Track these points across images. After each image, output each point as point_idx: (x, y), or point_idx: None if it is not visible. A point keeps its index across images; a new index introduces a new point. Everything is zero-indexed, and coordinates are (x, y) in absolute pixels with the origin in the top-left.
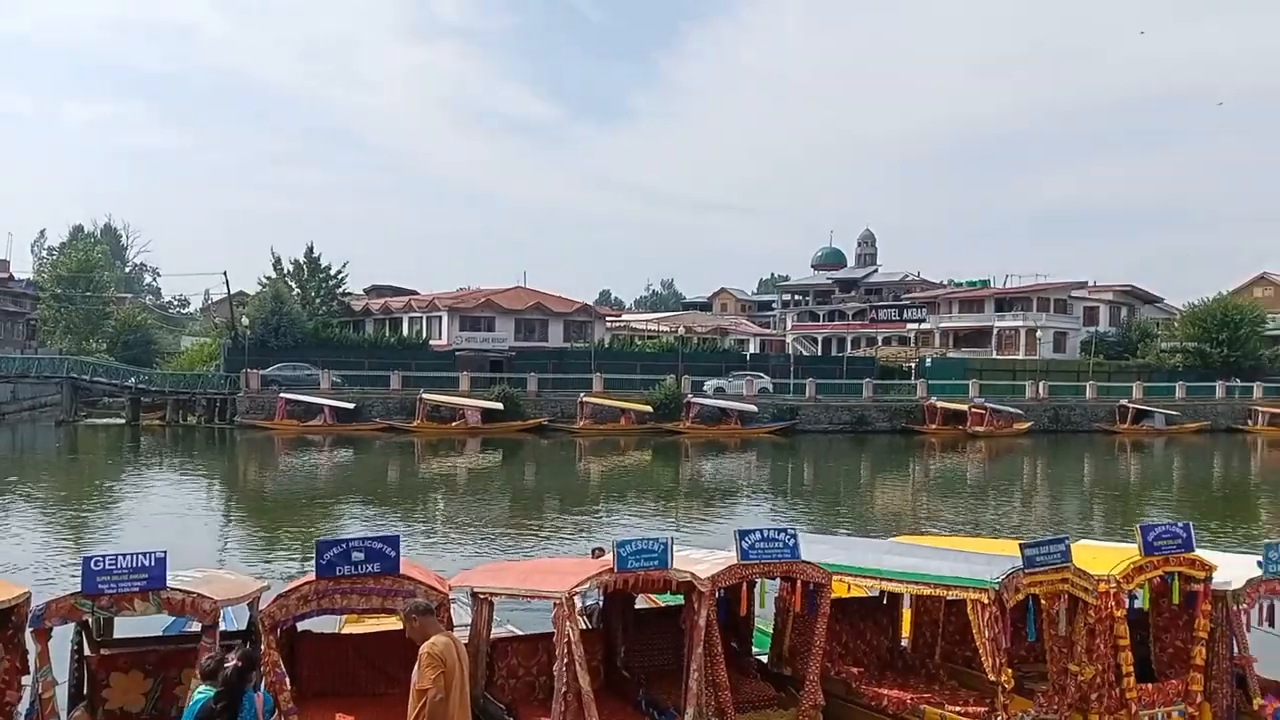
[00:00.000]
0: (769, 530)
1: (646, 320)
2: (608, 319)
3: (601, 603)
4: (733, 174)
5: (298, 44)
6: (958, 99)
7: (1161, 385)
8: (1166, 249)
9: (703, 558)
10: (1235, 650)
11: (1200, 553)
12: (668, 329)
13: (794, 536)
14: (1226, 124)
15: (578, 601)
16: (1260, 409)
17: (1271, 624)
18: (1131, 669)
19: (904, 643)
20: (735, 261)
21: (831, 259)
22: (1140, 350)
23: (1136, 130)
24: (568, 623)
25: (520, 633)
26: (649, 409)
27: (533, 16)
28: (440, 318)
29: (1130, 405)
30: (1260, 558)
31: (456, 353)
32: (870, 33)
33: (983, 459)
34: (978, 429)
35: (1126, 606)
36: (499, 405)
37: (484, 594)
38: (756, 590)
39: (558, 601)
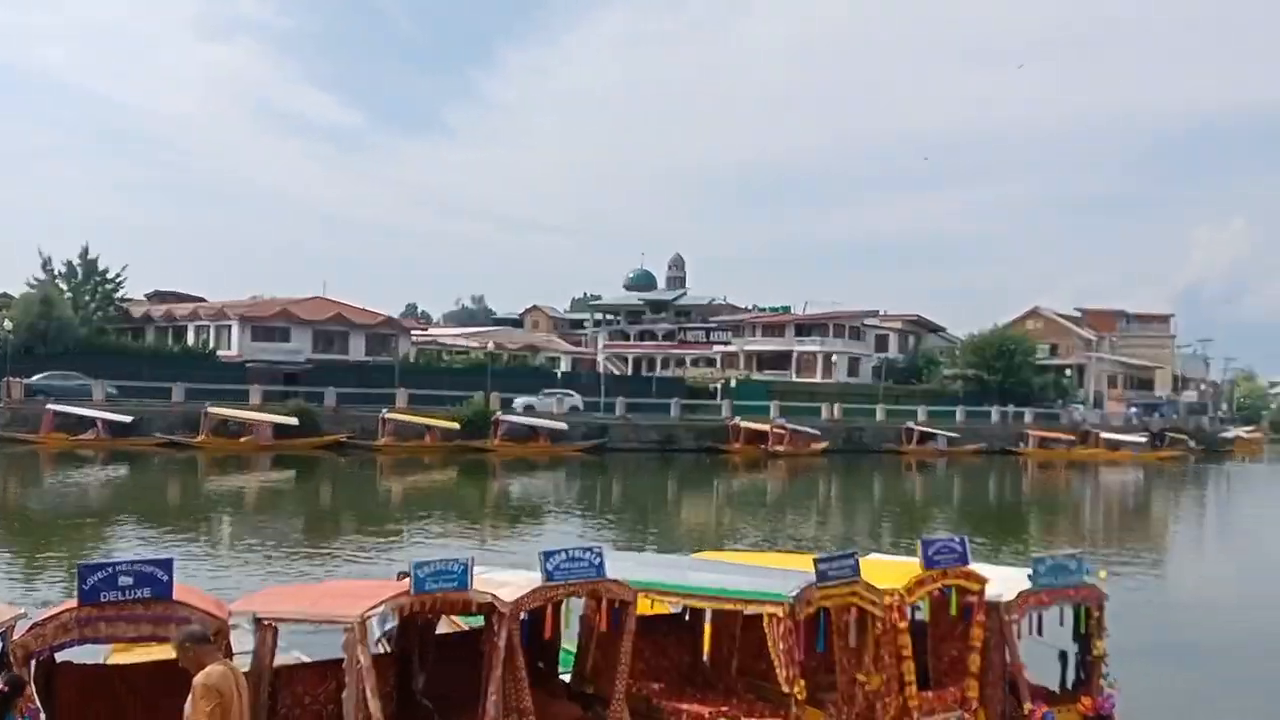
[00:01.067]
0: (574, 550)
1: (455, 335)
2: (414, 333)
3: (395, 627)
4: (547, 193)
5: (82, 30)
6: (764, 132)
7: (944, 409)
8: (950, 282)
9: (507, 579)
10: (1007, 658)
11: (975, 566)
12: (477, 344)
13: (600, 555)
14: (1005, 167)
15: (376, 626)
16: (1030, 432)
17: (1040, 633)
18: (913, 678)
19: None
20: (548, 279)
21: (642, 280)
22: (926, 376)
23: (928, 168)
24: (359, 648)
25: (308, 660)
26: (456, 426)
27: (340, 20)
28: (230, 327)
29: (916, 427)
30: (1030, 571)
31: (247, 364)
32: (684, 65)
33: (783, 477)
34: (778, 448)
35: (909, 618)
36: (293, 420)
37: (268, 619)
38: (563, 610)
39: (349, 626)
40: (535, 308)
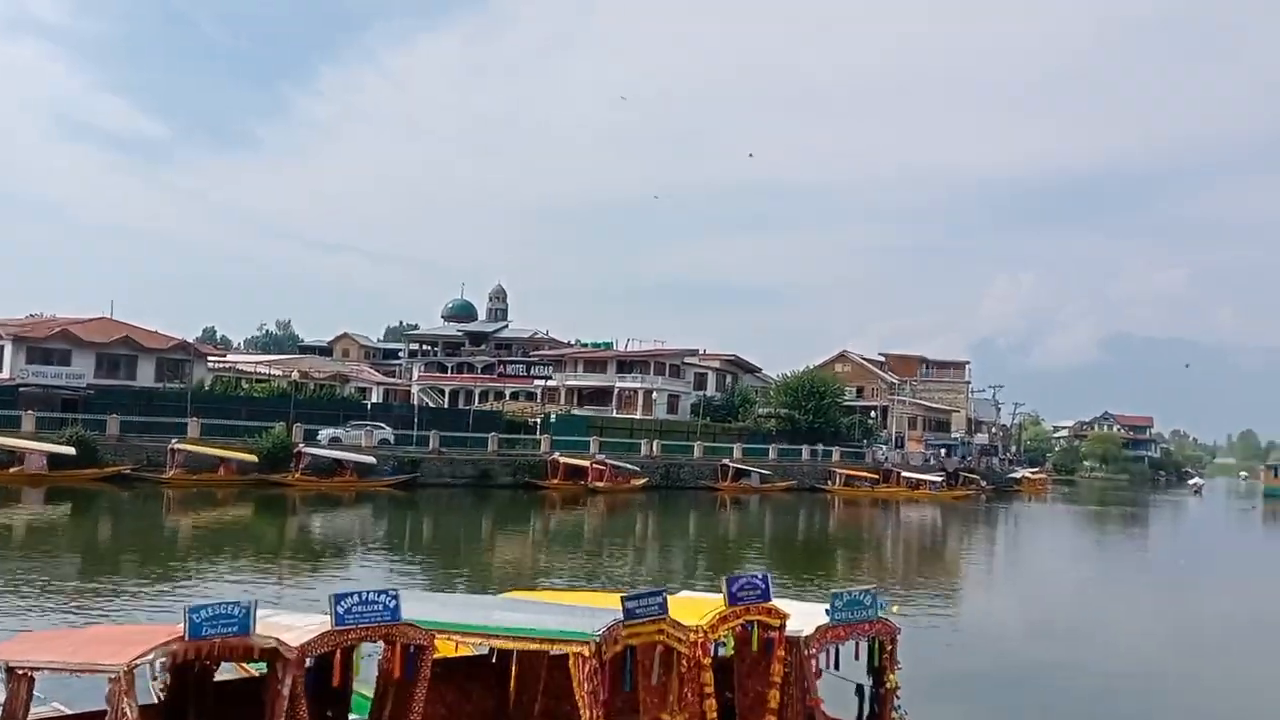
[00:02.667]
0: (368, 593)
1: (257, 362)
2: (211, 359)
3: (167, 674)
4: (364, 217)
5: None
6: (593, 171)
7: (758, 447)
8: (766, 324)
9: (294, 623)
10: (806, 693)
11: (777, 602)
12: (281, 372)
13: (395, 598)
14: (820, 217)
15: (155, 672)
16: (838, 470)
17: (837, 667)
18: (715, 715)
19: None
20: (361, 307)
21: (462, 311)
22: (741, 414)
23: (745, 214)
24: (125, 700)
25: (69, 712)
26: (253, 459)
27: (146, 26)
28: (2, 347)
29: (731, 464)
30: (827, 606)
31: (20, 388)
32: (510, 97)
33: (601, 514)
34: (598, 484)
35: (712, 654)
36: (70, 450)
37: (21, 668)
38: (355, 655)
39: (114, 676)
40: (346, 336)
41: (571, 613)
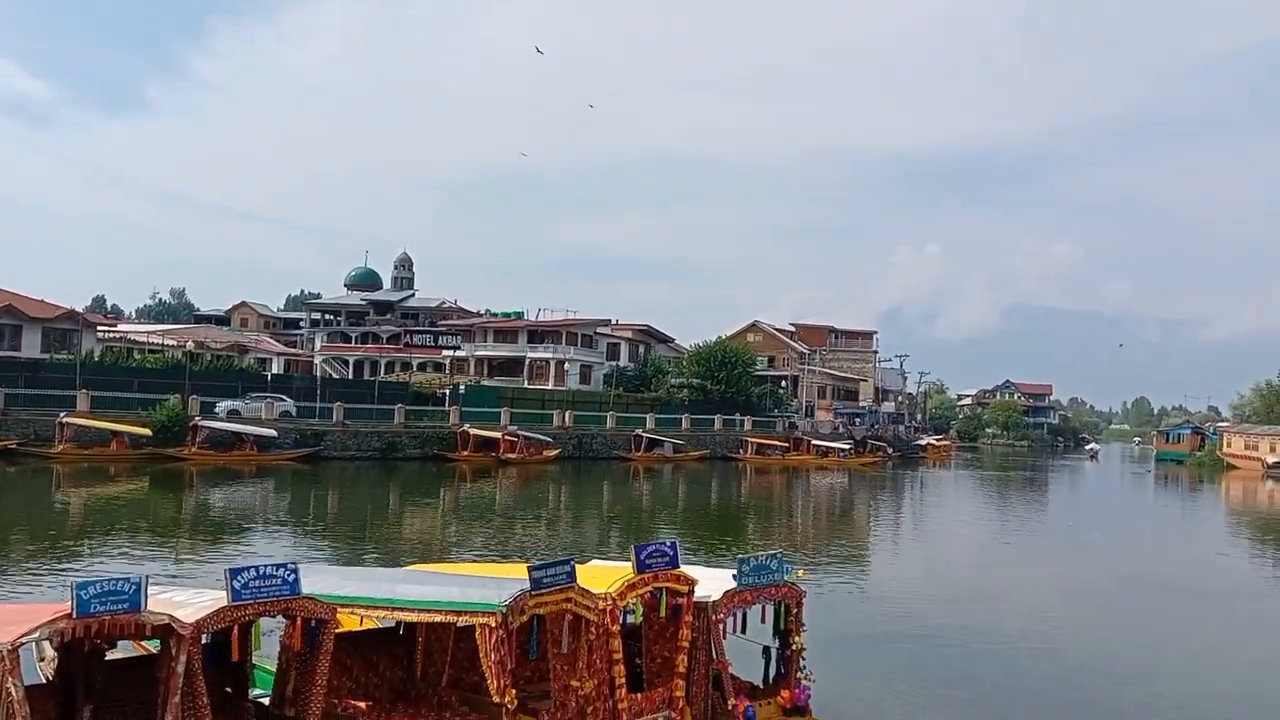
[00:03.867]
0: (266, 567)
1: (150, 332)
2: (101, 329)
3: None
4: (262, 182)
5: None
6: (502, 138)
7: (671, 417)
8: (679, 295)
9: (189, 599)
10: (713, 656)
11: (686, 569)
12: (175, 343)
13: (294, 572)
14: (732, 189)
15: (44, 650)
16: (749, 439)
17: (744, 631)
18: (624, 680)
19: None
20: (260, 275)
21: (366, 280)
22: (654, 385)
23: (655, 187)
24: (9, 680)
25: None
26: (147, 432)
27: None
28: None
29: (644, 434)
30: (735, 571)
31: None
32: (419, 60)
33: (513, 485)
34: (509, 456)
35: (621, 622)
36: None
37: None
38: (254, 630)
39: None
40: (244, 304)
41: (478, 584)
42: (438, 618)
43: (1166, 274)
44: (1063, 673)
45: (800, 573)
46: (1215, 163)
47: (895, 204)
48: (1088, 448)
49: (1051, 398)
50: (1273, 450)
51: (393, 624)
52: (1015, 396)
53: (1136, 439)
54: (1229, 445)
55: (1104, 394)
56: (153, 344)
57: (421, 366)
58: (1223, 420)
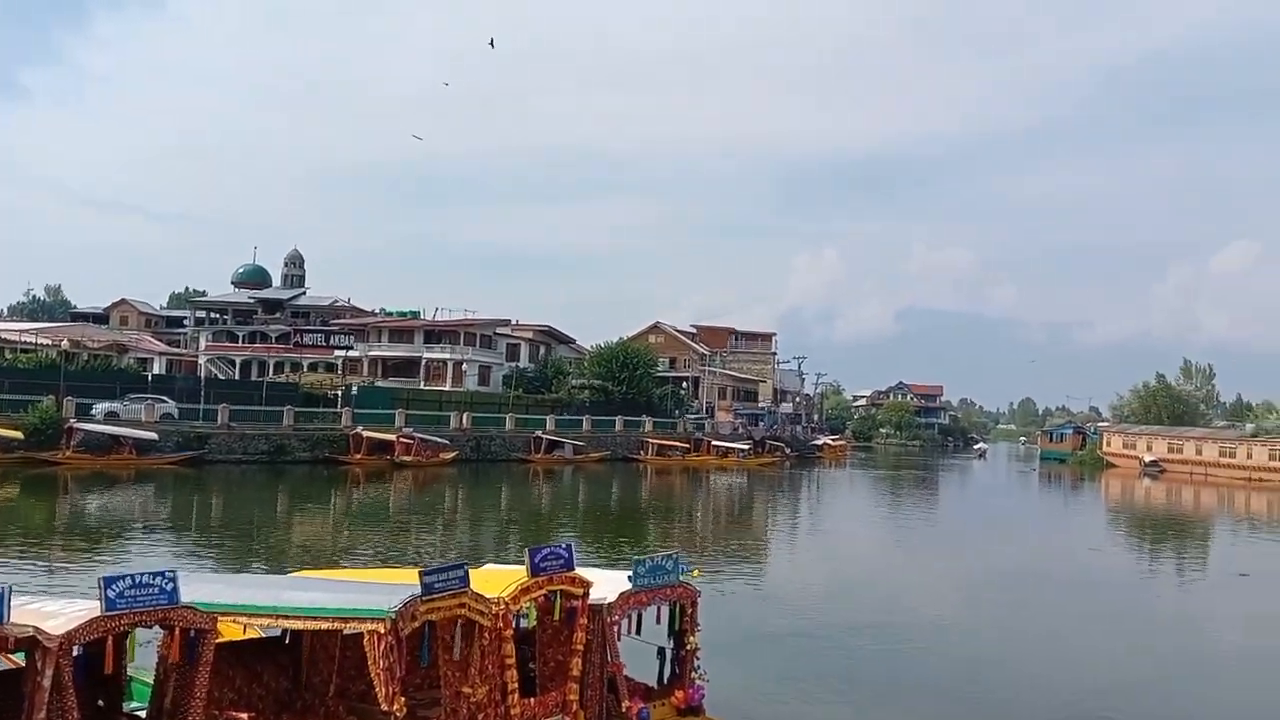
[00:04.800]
0: (143, 575)
1: (22, 330)
2: None
3: None
4: (146, 174)
5: None
6: (399, 134)
7: (571, 418)
8: (581, 295)
9: (60, 609)
10: (608, 659)
11: (582, 571)
12: (49, 342)
13: (172, 580)
14: (629, 190)
15: None
16: (650, 440)
17: (639, 632)
18: (516, 685)
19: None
20: (142, 271)
21: (254, 277)
22: (555, 386)
23: (557, 184)
24: None
25: None
26: (19, 435)
27: None
28: None
29: (544, 436)
30: (630, 572)
31: None
32: (315, 53)
33: (408, 489)
34: (405, 459)
35: (515, 626)
36: None
37: None
38: (129, 640)
39: None
40: (124, 302)
41: (366, 590)
42: (324, 625)
43: (1051, 279)
44: (949, 664)
45: (696, 573)
46: (1098, 170)
47: (795, 206)
48: (976, 447)
49: (942, 398)
50: (1149, 449)
51: (278, 632)
52: (908, 397)
53: (1022, 439)
54: (1109, 444)
55: (992, 395)
56: (25, 343)
57: (312, 367)
58: (1103, 420)
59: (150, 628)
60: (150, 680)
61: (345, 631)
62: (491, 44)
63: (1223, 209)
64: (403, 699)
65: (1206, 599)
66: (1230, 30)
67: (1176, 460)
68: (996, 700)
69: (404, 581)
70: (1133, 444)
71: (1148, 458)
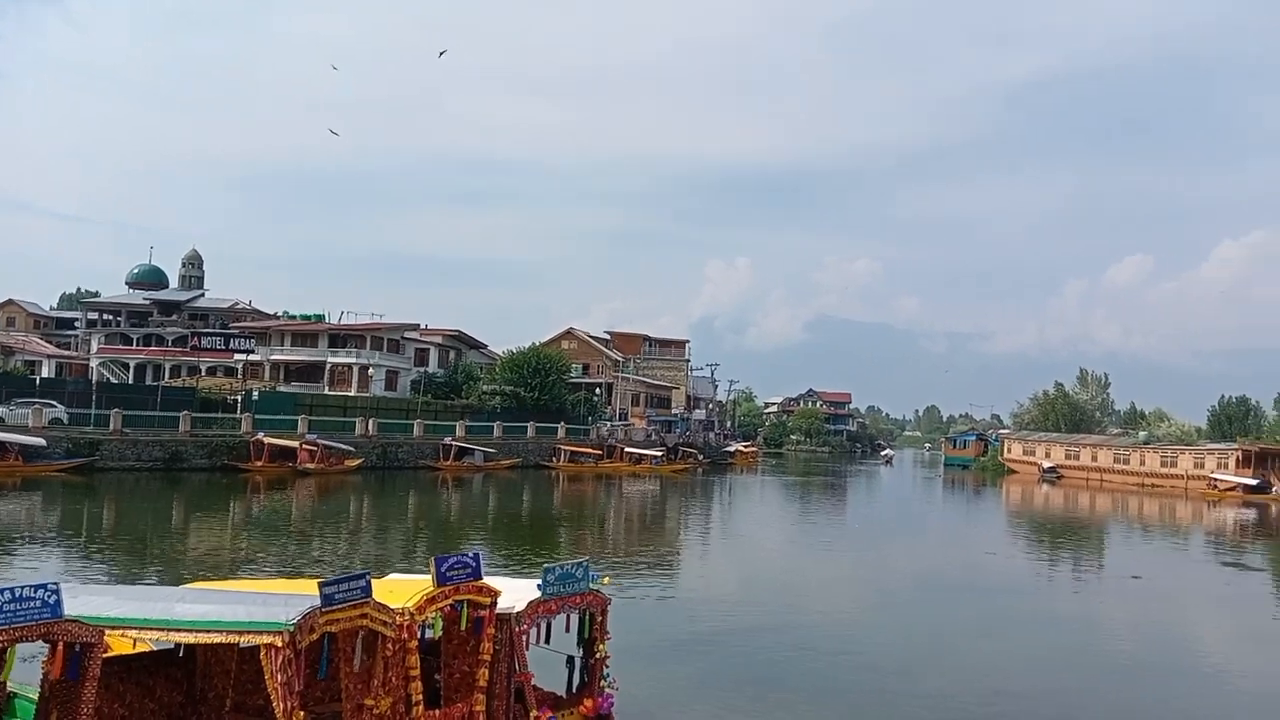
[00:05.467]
0: (22, 588)
1: None
2: None
3: None
4: (37, 172)
5: None
6: (302, 136)
7: (482, 424)
8: (492, 301)
9: None
10: (516, 668)
11: (490, 579)
12: None
13: (55, 593)
14: (544, 196)
15: None
16: (562, 447)
17: (548, 641)
18: (421, 697)
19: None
20: (31, 271)
21: (150, 278)
22: (465, 391)
23: (469, 189)
24: None
25: None
26: None
27: None
28: None
29: (454, 443)
30: (540, 580)
31: None
32: (214, 52)
33: (311, 497)
34: (308, 466)
35: (420, 636)
36: None
37: None
38: (9, 657)
39: None
40: (11, 302)
41: (264, 602)
42: (218, 638)
43: (953, 290)
44: (854, 668)
45: (606, 580)
46: (1000, 186)
47: (709, 216)
48: (883, 454)
49: (851, 406)
50: (1048, 456)
51: (171, 646)
52: (818, 404)
53: (927, 445)
54: (1010, 451)
55: (898, 402)
56: None
57: (211, 371)
58: (1004, 428)
59: (32, 642)
60: (34, 697)
61: (241, 644)
62: (440, 55)
63: (1118, 225)
64: (302, 713)
65: (1100, 601)
66: (1126, 55)
67: (1074, 466)
68: (905, 699)
69: (303, 592)
70: (1032, 451)
71: (1046, 464)
